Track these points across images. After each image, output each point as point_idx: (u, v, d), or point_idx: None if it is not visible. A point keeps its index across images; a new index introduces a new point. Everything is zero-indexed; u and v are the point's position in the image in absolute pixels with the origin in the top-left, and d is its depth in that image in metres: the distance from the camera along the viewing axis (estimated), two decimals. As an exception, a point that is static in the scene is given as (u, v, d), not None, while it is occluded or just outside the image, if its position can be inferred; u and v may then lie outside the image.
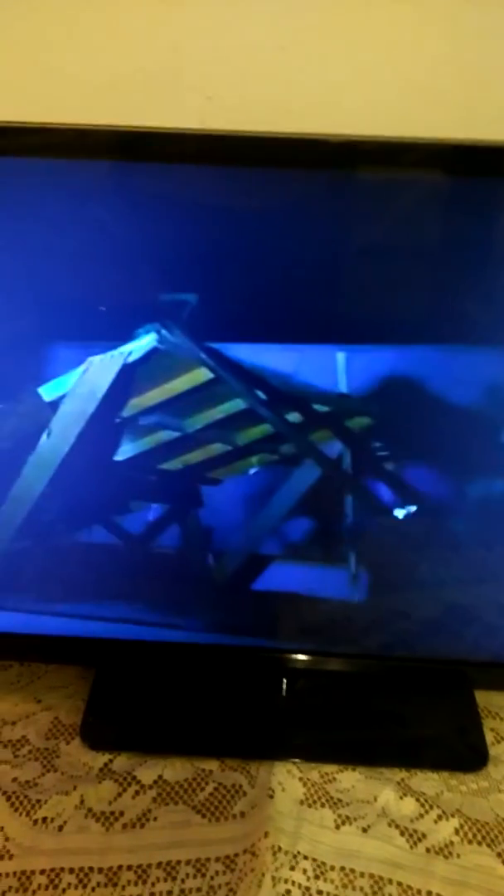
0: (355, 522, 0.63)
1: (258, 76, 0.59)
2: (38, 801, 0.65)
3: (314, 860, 0.62)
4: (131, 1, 0.57)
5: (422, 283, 0.56)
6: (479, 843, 0.63)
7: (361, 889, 0.60)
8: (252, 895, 0.58)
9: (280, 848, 0.62)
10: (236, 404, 0.58)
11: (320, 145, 0.52)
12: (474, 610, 0.68)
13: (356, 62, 0.59)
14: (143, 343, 0.56)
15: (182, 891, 0.60)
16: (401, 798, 0.67)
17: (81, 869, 0.61)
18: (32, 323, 0.56)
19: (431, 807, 0.66)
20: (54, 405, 0.58)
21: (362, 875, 0.61)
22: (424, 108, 0.59)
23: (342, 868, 0.62)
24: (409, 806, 0.66)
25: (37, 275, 0.55)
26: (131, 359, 0.56)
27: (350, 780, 0.68)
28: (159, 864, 0.62)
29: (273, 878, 0.60)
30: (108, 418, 0.58)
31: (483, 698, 0.75)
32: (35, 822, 0.64)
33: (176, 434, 0.59)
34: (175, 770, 0.69)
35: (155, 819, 0.65)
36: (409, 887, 0.61)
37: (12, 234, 0.54)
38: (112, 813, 0.65)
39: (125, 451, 0.60)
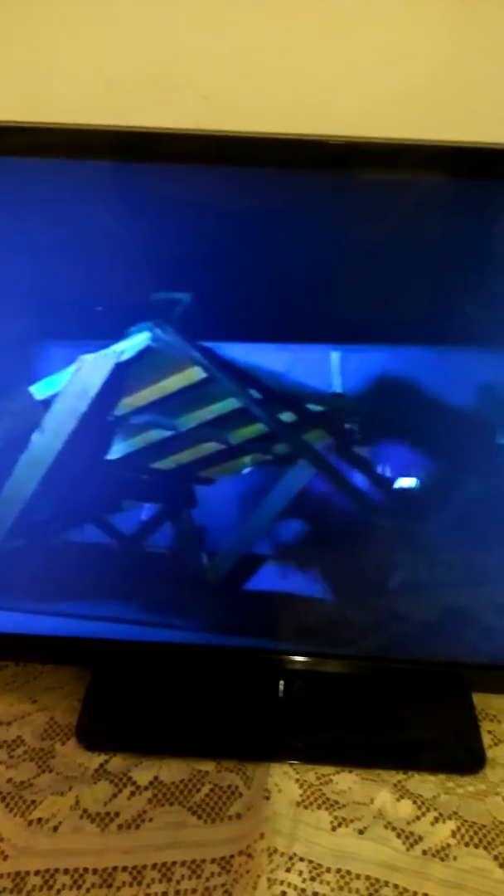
0: (350, 523, 0.63)
1: (256, 76, 0.59)
2: (34, 801, 0.65)
3: (310, 862, 0.61)
4: (128, 1, 0.57)
5: (416, 283, 0.55)
6: (476, 846, 0.63)
7: (357, 891, 0.60)
8: (247, 897, 0.58)
9: (276, 849, 0.62)
10: (230, 403, 0.58)
11: (316, 146, 0.52)
12: (472, 612, 0.67)
13: (354, 63, 0.59)
14: (136, 342, 0.55)
15: (177, 892, 0.60)
16: (397, 800, 0.66)
17: (76, 870, 0.61)
18: (25, 321, 0.57)
19: (428, 809, 0.66)
20: (46, 404, 0.58)
21: (358, 877, 0.61)
22: (422, 110, 0.59)
23: (338, 870, 0.61)
24: (405, 808, 0.66)
25: (30, 273, 0.55)
26: (124, 357, 0.56)
27: (347, 781, 0.68)
28: (154, 866, 0.61)
29: (269, 879, 0.60)
30: (100, 417, 0.58)
31: (481, 701, 0.74)
32: (30, 822, 0.64)
33: (169, 433, 0.59)
34: (171, 771, 0.68)
35: (150, 820, 0.65)
36: (406, 890, 0.60)
37: (5, 234, 0.54)
38: (107, 814, 0.65)
39: (118, 450, 0.60)
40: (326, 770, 0.68)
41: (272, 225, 0.54)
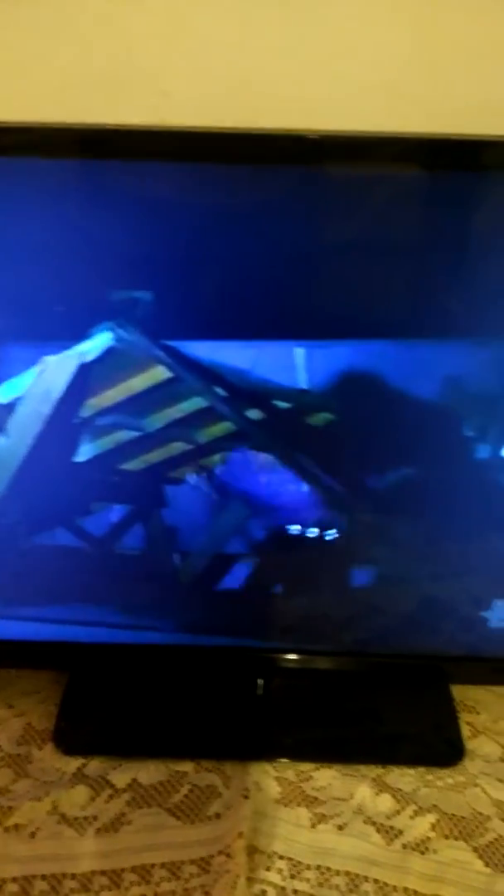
0: (322, 519, 0.63)
1: (216, 71, 0.59)
2: (10, 807, 0.65)
3: (290, 860, 0.61)
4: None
5: (380, 277, 0.55)
6: (456, 838, 0.63)
7: (337, 887, 0.60)
8: (226, 897, 0.58)
9: (255, 848, 0.62)
10: (196, 402, 0.57)
11: (276, 140, 0.51)
12: (450, 604, 0.67)
13: (315, 57, 0.58)
14: (99, 342, 0.55)
15: (156, 894, 0.59)
16: (377, 794, 0.66)
17: (54, 875, 0.60)
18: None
19: (408, 803, 0.66)
20: (10, 407, 0.57)
21: (338, 873, 0.61)
22: (386, 103, 0.59)
23: (318, 867, 0.61)
24: (385, 802, 0.66)
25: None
26: (88, 358, 0.55)
27: (326, 777, 0.68)
28: (133, 868, 0.61)
29: (248, 878, 0.59)
30: (66, 419, 0.58)
31: (459, 693, 0.75)
32: (7, 829, 0.63)
33: (136, 434, 0.59)
34: (149, 773, 0.68)
35: (129, 823, 0.64)
36: (386, 884, 0.60)
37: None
38: (85, 818, 0.64)
39: (85, 452, 0.59)
40: (306, 767, 0.68)
41: (232, 220, 0.53)
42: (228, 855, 0.61)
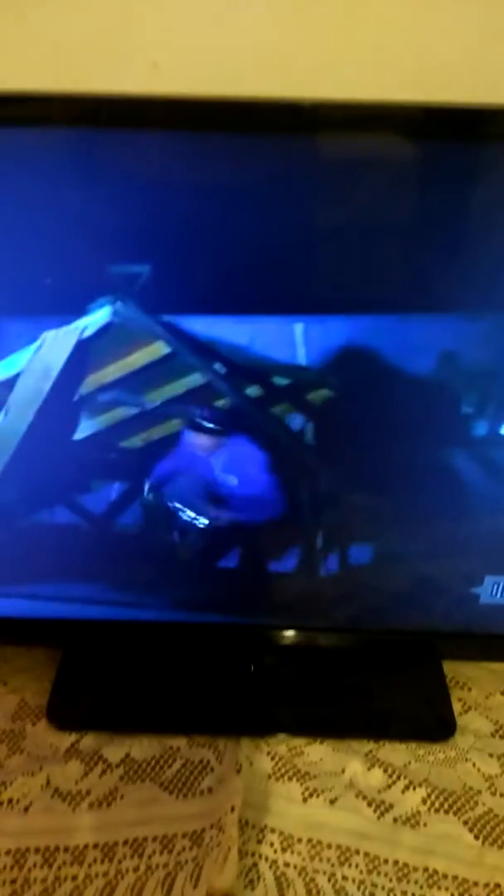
0: (320, 495, 0.63)
1: (206, 41, 0.58)
2: (4, 782, 0.65)
3: (281, 833, 0.62)
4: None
5: (377, 250, 0.55)
6: (447, 812, 0.64)
7: (328, 860, 0.61)
8: (219, 870, 0.58)
9: (247, 822, 0.62)
10: (195, 379, 0.57)
11: (270, 109, 0.50)
12: (442, 581, 0.68)
13: (305, 25, 0.57)
14: (98, 317, 0.54)
15: (148, 867, 0.60)
16: (368, 769, 0.67)
17: (47, 848, 0.61)
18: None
19: (399, 777, 0.67)
20: (10, 383, 0.57)
21: (329, 846, 0.62)
22: (374, 71, 0.58)
23: (309, 840, 0.62)
24: (376, 777, 0.67)
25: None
26: (86, 334, 0.55)
27: (318, 753, 0.69)
28: (126, 842, 0.61)
29: (240, 851, 0.60)
30: (65, 396, 0.57)
31: (451, 669, 0.75)
32: (1, 803, 0.64)
33: (136, 410, 0.59)
34: (142, 748, 0.68)
35: (122, 797, 0.65)
36: (376, 857, 0.61)
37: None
38: (78, 792, 0.65)
39: (84, 428, 0.59)
40: (298, 742, 0.69)
41: (229, 194, 0.52)
42: (220, 829, 0.61)
